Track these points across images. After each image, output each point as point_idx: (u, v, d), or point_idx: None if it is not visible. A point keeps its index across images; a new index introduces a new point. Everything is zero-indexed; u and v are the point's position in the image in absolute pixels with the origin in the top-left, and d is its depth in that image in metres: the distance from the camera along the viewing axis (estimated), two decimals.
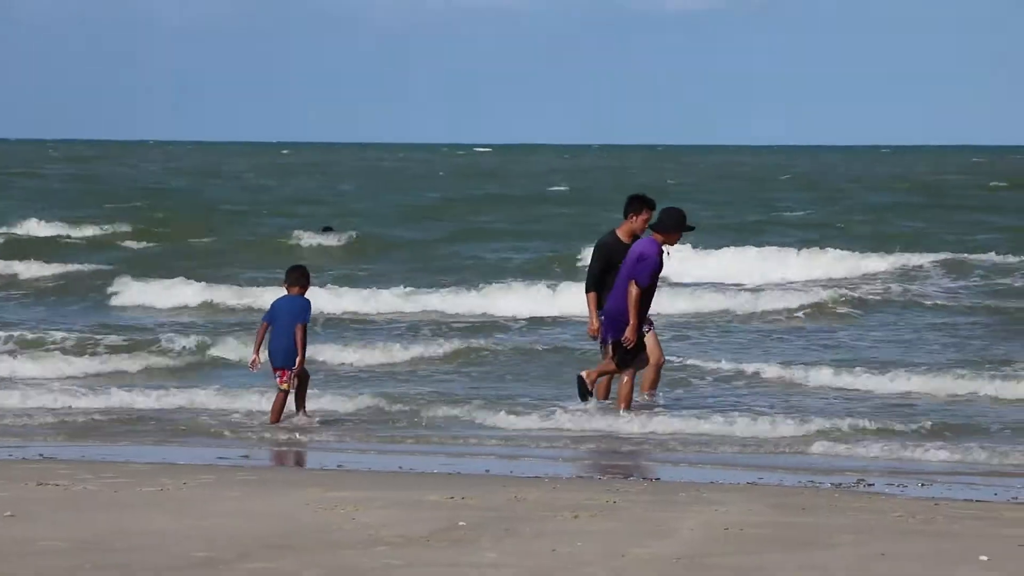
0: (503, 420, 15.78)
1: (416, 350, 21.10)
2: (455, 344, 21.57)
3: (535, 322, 24.67)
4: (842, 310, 25.51)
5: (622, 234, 16.01)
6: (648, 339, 15.84)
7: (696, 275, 29.79)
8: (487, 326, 24.32)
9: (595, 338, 16.28)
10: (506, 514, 10.19)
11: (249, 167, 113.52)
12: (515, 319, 25.03)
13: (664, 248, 15.64)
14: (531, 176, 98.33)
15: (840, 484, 12.24)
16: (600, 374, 16.03)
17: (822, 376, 18.30)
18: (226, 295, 28.12)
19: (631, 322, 15.43)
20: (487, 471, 12.92)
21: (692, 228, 16.11)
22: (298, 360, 15.52)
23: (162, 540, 9.21)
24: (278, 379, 15.71)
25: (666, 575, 8.28)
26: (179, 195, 68.22)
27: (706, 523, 9.90)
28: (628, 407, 15.73)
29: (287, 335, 15.58)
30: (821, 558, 8.77)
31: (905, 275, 31.29)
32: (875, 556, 8.81)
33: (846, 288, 27.90)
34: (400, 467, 13.47)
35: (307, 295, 15.95)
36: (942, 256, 32.77)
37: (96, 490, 11.21)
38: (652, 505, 10.69)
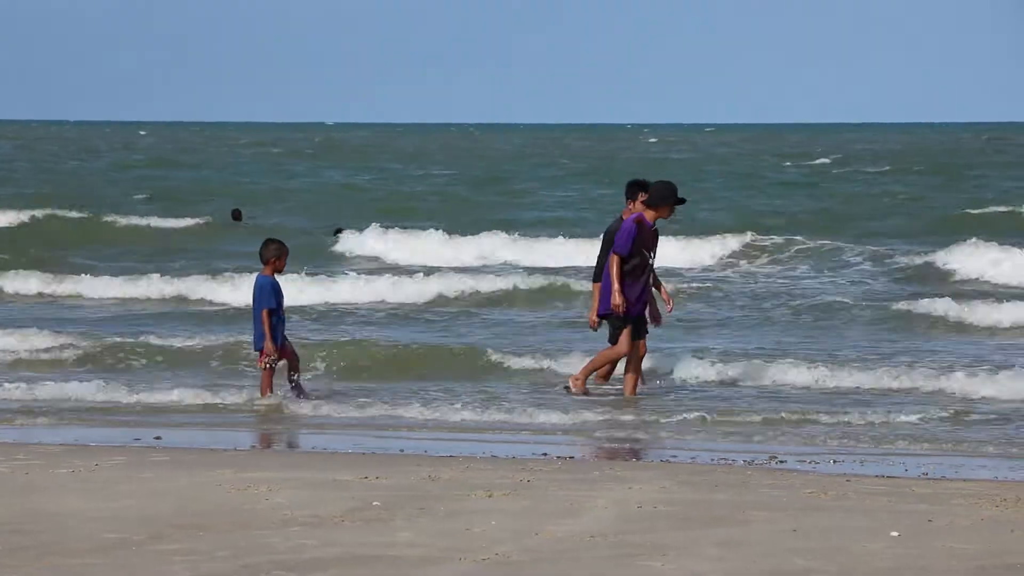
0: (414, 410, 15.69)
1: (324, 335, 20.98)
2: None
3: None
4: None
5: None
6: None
7: None
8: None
9: (595, 330, 16.37)
10: (420, 493, 10.19)
11: None
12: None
13: (653, 221, 15.96)
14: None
15: (752, 461, 12.32)
16: (588, 372, 16.24)
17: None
18: None
19: (613, 287, 15.65)
20: (401, 451, 12.90)
21: (683, 201, 16.26)
22: (265, 345, 15.49)
23: (74, 522, 9.15)
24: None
25: (580, 553, 8.30)
26: None
27: (619, 501, 9.94)
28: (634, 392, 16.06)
29: (256, 318, 15.61)
30: (734, 534, 8.84)
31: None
32: (787, 532, 8.88)
33: None
34: (313, 447, 13.44)
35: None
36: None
37: (8, 472, 11.10)
38: (566, 483, 10.71)
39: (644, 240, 15.83)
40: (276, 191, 57.81)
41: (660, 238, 16.43)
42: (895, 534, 8.73)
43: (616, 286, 15.67)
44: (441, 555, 8.22)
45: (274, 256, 15.72)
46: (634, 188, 16.33)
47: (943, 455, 12.81)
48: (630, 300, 15.76)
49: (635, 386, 16.06)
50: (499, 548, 8.32)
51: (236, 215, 39.22)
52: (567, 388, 16.15)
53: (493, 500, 9.93)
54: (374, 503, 9.77)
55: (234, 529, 8.91)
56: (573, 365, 17.09)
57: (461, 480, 10.80)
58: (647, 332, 16.23)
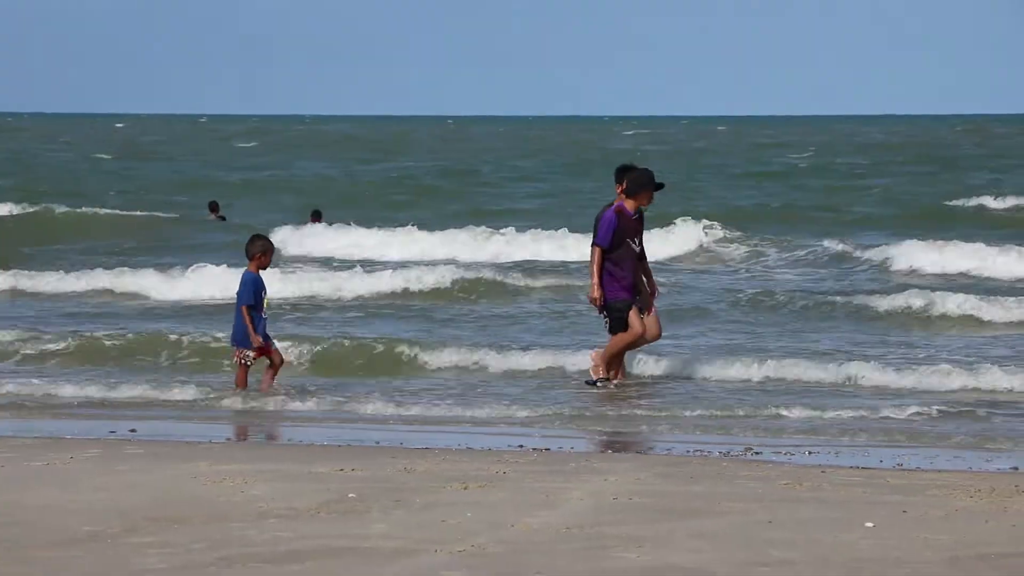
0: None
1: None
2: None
3: None
4: None
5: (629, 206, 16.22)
6: (647, 319, 16.04)
7: None
8: None
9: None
10: (396, 485, 10.19)
11: None
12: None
13: (635, 209, 15.96)
14: None
15: (728, 452, 12.34)
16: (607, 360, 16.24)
17: None
18: None
19: (592, 280, 15.74)
20: (377, 443, 12.89)
21: (661, 186, 16.30)
22: (252, 340, 15.52)
23: (49, 515, 9.13)
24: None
25: (555, 545, 8.30)
26: None
27: (595, 492, 9.95)
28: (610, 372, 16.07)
29: (237, 313, 15.65)
30: (709, 526, 8.85)
31: None
32: (763, 523, 8.90)
33: None
34: (290, 439, 13.42)
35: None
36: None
37: None
38: (541, 475, 10.72)
39: (626, 229, 15.86)
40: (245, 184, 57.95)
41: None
42: (870, 525, 8.76)
43: (595, 279, 15.73)
44: (416, 547, 8.21)
45: (259, 252, 15.73)
46: (623, 172, 16.35)
47: (918, 447, 12.84)
48: (620, 289, 15.79)
49: (618, 372, 16.14)
50: (474, 540, 8.32)
51: (213, 207, 39.00)
52: (589, 382, 16.12)
53: (468, 492, 9.93)
54: (350, 495, 9.76)
55: (209, 521, 8.90)
56: (494, 362, 17.37)
57: (437, 472, 10.80)
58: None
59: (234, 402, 15.41)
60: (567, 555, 8.05)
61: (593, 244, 15.89)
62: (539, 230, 33.78)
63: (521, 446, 12.54)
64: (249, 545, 8.27)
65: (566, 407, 15.08)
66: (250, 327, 15.35)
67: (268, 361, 15.78)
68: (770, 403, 14.86)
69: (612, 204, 16.12)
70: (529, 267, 27.83)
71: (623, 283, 15.83)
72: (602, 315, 16.15)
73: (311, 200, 43.47)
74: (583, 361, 16.68)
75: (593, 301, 15.86)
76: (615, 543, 8.31)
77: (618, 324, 15.88)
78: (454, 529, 8.66)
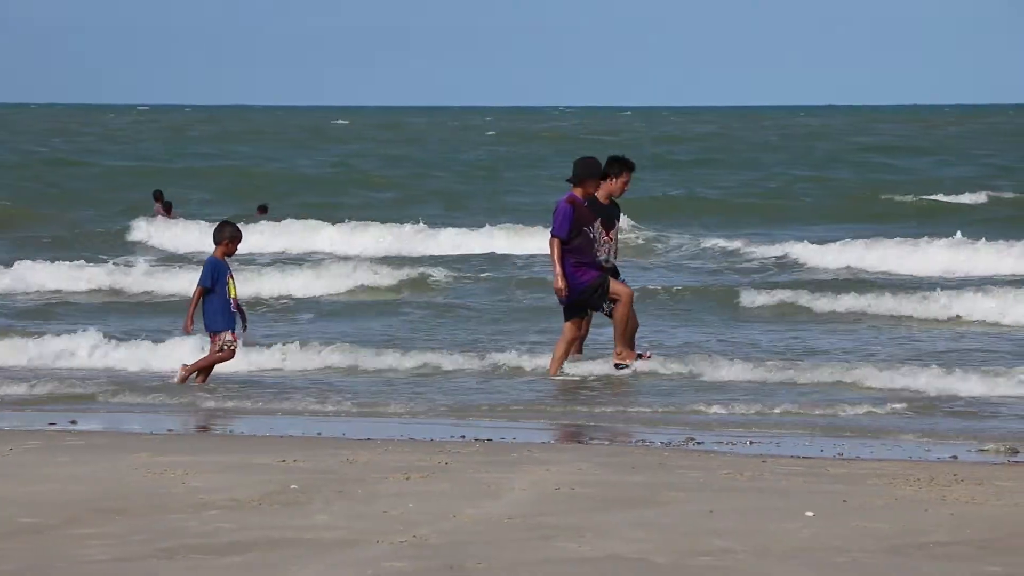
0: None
1: None
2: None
3: None
4: None
5: (599, 195, 16.18)
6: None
7: None
8: None
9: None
10: (338, 476, 10.17)
11: None
12: None
13: (585, 197, 15.98)
14: None
15: (669, 443, 12.38)
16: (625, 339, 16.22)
17: None
18: None
19: (555, 271, 15.77)
20: (319, 433, 12.86)
21: (607, 176, 16.20)
22: (184, 322, 15.86)
23: None
24: None
25: (497, 535, 8.31)
26: None
27: (537, 483, 9.96)
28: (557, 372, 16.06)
29: (205, 300, 15.77)
30: (651, 516, 8.88)
31: None
32: (704, 514, 8.93)
33: None
34: (231, 430, 13.38)
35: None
36: None
37: None
38: (484, 466, 10.72)
39: (582, 218, 15.85)
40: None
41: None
42: (810, 514, 8.81)
43: (558, 269, 15.77)
44: (358, 538, 8.20)
45: (227, 239, 15.83)
46: (617, 166, 16.26)
47: (858, 436, 12.91)
48: (585, 272, 15.81)
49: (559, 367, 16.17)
50: (416, 531, 8.31)
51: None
52: (618, 366, 16.17)
53: (411, 482, 9.92)
54: (292, 486, 9.74)
55: (150, 513, 8.86)
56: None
57: (379, 463, 10.79)
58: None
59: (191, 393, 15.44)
60: (509, 545, 8.05)
61: (552, 235, 15.91)
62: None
63: (463, 436, 12.54)
64: (190, 536, 8.23)
65: (510, 398, 15.10)
66: (191, 309, 15.47)
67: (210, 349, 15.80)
68: (700, 400, 14.89)
69: (609, 189, 16.15)
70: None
71: (588, 265, 15.82)
72: (563, 303, 16.12)
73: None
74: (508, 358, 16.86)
75: (558, 292, 15.86)
76: (557, 533, 8.32)
77: (603, 297, 15.90)
78: (396, 520, 8.65)
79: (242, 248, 16.68)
